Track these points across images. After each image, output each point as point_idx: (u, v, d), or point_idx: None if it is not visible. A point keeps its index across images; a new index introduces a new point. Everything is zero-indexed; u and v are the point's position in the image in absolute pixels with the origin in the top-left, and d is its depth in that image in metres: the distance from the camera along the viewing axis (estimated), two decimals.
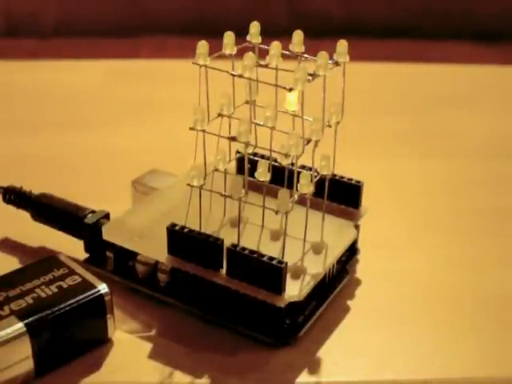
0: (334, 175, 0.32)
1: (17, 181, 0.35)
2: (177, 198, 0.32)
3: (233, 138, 0.28)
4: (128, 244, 0.30)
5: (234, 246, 0.28)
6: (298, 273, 0.29)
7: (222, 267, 0.28)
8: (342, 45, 0.30)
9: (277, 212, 0.27)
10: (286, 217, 0.28)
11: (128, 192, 0.34)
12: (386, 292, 0.32)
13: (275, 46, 0.29)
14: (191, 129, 0.28)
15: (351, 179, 0.33)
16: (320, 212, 0.31)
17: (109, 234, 0.31)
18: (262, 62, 0.29)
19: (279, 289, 0.27)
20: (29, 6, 0.66)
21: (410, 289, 0.33)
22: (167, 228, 0.29)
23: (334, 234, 0.31)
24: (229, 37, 0.29)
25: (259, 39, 0.30)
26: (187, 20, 0.66)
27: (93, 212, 0.32)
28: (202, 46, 0.29)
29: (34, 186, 0.35)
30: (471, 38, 0.66)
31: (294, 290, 0.28)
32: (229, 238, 0.28)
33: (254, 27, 0.30)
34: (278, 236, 0.30)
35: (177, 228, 0.29)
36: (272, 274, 0.27)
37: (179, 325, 0.30)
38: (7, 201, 0.35)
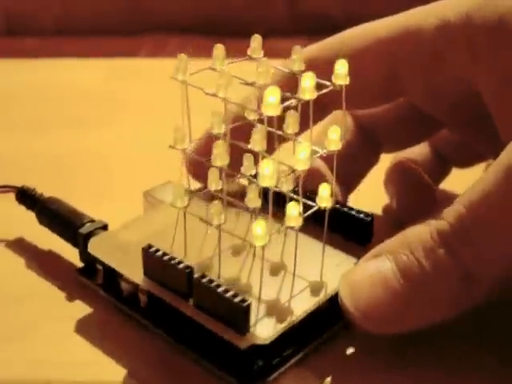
0: (339, 203, 0.30)
1: (16, 180, 0.35)
2: (176, 215, 0.29)
3: (207, 161, 0.27)
4: (109, 260, 0.29)
5: (202, 276, 0.26)
6: (278, 312, 0.27)
7: (191, 297, 0.27)
8: (342, 65, 0.27)
9: (251, 245, 0.26)
10: (263, 249, 0.26)
11: (129, 191, 0.34)
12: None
13: (263, 63, 0.27)
14: (171, 147, 0.27)
15: (360, 212, 0.30)
16: (324, 243, 0.29)
17: (94, 247, 0.30)
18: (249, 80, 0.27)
19: (243, 329, 0.25)
20: (29, 4, 0.66)
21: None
22: (142, 249, 0.28)
23: (332, 271, 0.28)
24: (219, 49, 0.28)
25: (261, 53, 0.29)
26: (187, 19, 0.66)
27: (91, 221, 0.31)
28: (182, 60, 0.28)
29: (33, 185, 0.34)
30: None
31: (266, 331, 0.26)
32: (226, 267, 0.27)
33: (256, 40, 0.29)
34: (278, 269, 0.28)
35: (151, 250, 0.27)
36: (235, 312, 0.25)
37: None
38: (19, 201, 0.34)
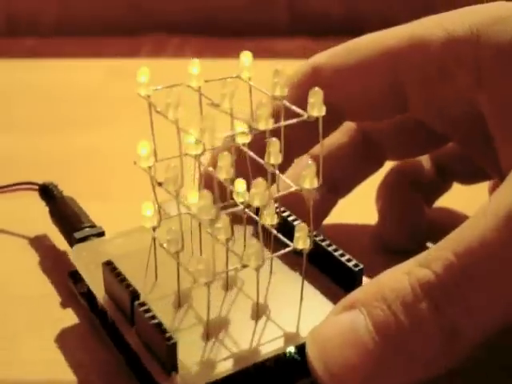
0: (331, 244, 0.28)
1: (15, 180, 0.35)
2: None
3: (159, 184, 0.25)
4: (82, 270, 0.28)
5: (142, 304, 0.25)
6: (229, 357, 0.24)
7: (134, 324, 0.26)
8: (317, 95, 0.25)
9: (195, 282, 0.24)
10: (208, 287, 0.24)
11: (129, 192, 0.34)
12: None
13: (228, 85, 0.25)
14: (135, 163, 0.26)
15: (350, 260, 0.27)
16: (311, 284, 0.27)
17: (76, 254, 0.29)
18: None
19: (168, 368, 0.24)
20: (29, 4, 0.66)
21: None
22: (102, 264, 0.27)
23: (308, 319, 0.26)
24: (194, 65, 0.26)
25: (248, 73, 0.27)
26: (188, 19, 0.66)
27: (91, 227, 0.31)
28: (142, 73, 0.26)
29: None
30: None
31: (202, 374, 0.23)
32: (204, 300, 0.25)
33: (245, 56, 0.27)
34: (260, 311, 0.26)
35: (109, 267, 0.26)
36: (163, 349, 0.24)
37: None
38: (41, 197, 0.35)
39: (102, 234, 0.31)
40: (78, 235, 0.31)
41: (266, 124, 0.24)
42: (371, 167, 0.34)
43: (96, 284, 0.28)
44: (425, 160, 0.34)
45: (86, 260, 0.29)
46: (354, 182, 0.34)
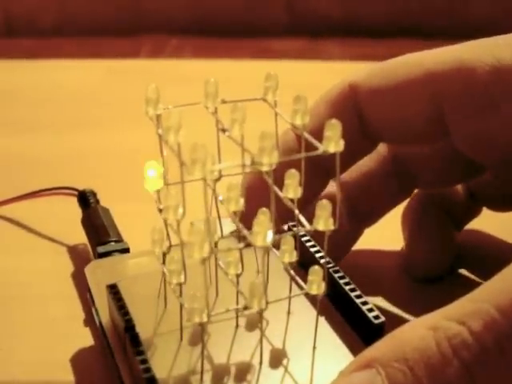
0: (354, 290, 0.25)
1: (16, 182, 0.35)
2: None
3: (160, 211, 0.24)
4: (93, 287, 0.27)
5: (133, 335, 0.23)
6: None
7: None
8: (335, 128, 0.21)
9: (187, 321, 0.22)
10: (203, 328, 0.22)
11: (130, 193, 0.34)
12: None
13: (238, 109, 0.22)
14: (146, 187, 0.25)
15: (372, 310, 0.24)
16: (330, 326, 0.25)
17: (91, 270, 0.28)
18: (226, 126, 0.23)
19: None
20: (28, 5, 0.66)
21: None
22: (106, 286, 0.26)
23: (325, 370, 0.23)
24: (211, 85, 0.24)
25: (276, 95, 0.25)
26: (187, 19, 0.66)
27: (117, 241, 0.30)
28: (152, 90, 0.25)
29: (26, 187, 0.35)
30: (471, 37, 0.66)
31: None
32: (225, 337, 0.24)
33: (272, 79, 0.24)
34: (275, 357, 0.24)
35: (112, 290, 0.25)
36: None
37: None
38: (79, 204, 0.35)
39: (126, 250, 0.30)
40: (100, 249, 0.30)
41: (269, 158, 0.21)
42: (400, 196, 0.32)
43: (104, 304, 0.26)
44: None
45: (100, 278, 0.28)
46: (381, 212, 0.31)
